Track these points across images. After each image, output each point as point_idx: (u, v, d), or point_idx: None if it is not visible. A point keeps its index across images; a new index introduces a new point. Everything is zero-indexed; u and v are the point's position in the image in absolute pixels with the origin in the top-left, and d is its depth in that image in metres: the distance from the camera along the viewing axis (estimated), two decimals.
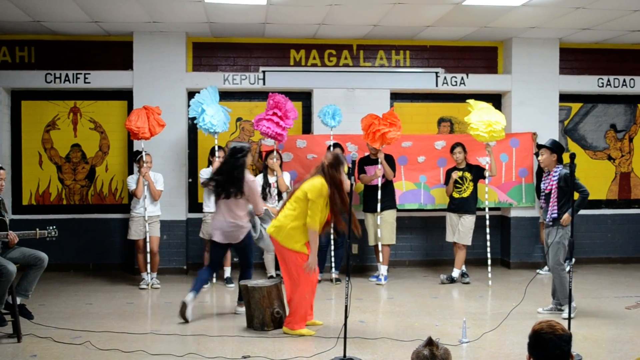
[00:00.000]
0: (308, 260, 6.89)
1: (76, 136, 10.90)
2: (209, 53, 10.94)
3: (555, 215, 7.74)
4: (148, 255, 9.57)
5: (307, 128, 10.97)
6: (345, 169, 7.01)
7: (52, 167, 10.89)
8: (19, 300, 6.98)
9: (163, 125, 9.58)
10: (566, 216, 7.65)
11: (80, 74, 10.59)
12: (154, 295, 9.18)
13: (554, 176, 7.83)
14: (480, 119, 9.38)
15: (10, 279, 6.68)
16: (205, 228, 9.74)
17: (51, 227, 7.27)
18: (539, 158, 8.08)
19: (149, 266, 9.56)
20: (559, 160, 7.91)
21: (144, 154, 9.53)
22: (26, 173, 10.85)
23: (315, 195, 6.80)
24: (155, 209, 9.70)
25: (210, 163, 9.79)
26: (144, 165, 9.51)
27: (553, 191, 7.79)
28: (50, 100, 10.85)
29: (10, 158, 10.74)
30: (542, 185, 8.08)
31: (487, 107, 9.66)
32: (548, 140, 8.00)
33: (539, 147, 8.06)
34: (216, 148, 9.70)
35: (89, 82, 10.61)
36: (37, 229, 7.17)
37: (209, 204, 9.70)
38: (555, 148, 7.87)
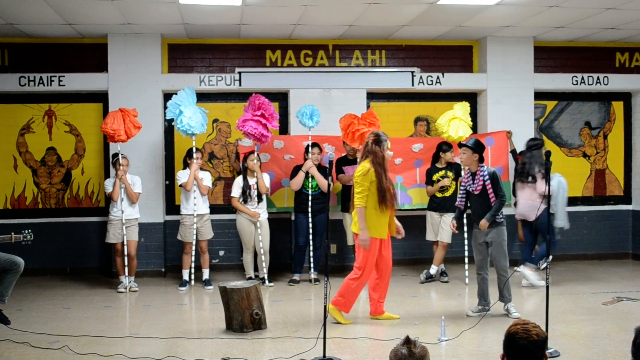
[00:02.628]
0: (361, 237, 7.32)
1: (51, 139, 10.81)
2: (185, 54, 10.90)
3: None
4: (126, 259, 9.52)
5: (283, 129, 10.96)
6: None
7: (28, 171, 10.78)
8: None
9: (139, 128, 9.53)
10: (483, 222, 7.65)
11: (55, 76, 10.50)
12: (132, 298, 9.13)
13: (481, 176, 7.69)
14: (441, 120, 9.60)
15: None
16: (183, 230, 9.71)
17: (27, 231, 7.20)
18: (461, 158, 7.94)
19: (126, 269, 9.51)
20: (481, 160, 7.79)
21: (120, 156, 9.47)
22: (1, 177, 10.73)
23: (359, 176, 7.33)
24: (133, 211, 9.64)
25: (186, 165, 9.73)
26: (121, 168, 9.46)
27: (488, 191, 7.70)
28: (24, 104, 10.74)
29: None
30: (467, 188, 7.92)
31: (457, 108, 9.77)
32: (470, 140, 7.83)
33: (460, 145, 7.94)
34: (194, 150, 9.66)
35: (63, 85, 10.52)
36: (12, 233, 7.10)
37: (186, 206, 9.67)
38: (477, 147, 7.70)
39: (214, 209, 10.17)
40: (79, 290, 9.62)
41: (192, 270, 9.70)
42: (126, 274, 9.50)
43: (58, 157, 10.83)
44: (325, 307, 6.13)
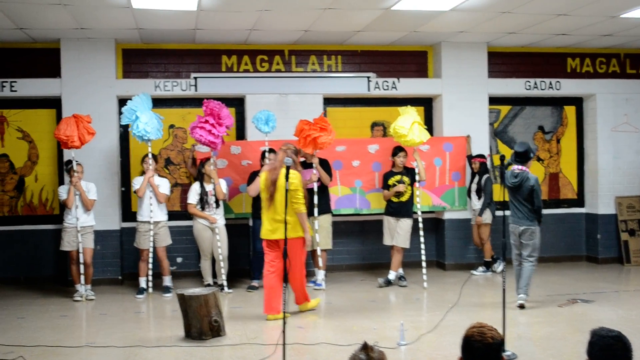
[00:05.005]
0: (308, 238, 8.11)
1: (3, 146, 10.62)
2: (139, 60, 10.80)
3: None
4: (82, 267, 9.39)
5: (241, 134, 10.94)
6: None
7: None
8: None
9: (93, 134, 9.41)
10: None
11: (6, 81, 10.31)
12: (88, 307, 9.01)
13: None
14: (396, 124, 9.66)
15: None
16: (138, 237, 9.62)
17: None
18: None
19: (82, 278, 9.37)
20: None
21: (74, 163, 9.35)
22: None
23: (299, 183, 8.00)
24: (88, 219, 9.52)
25: (143, 171, 9.66)
26: (75, 174, 9.34)
27: None
28: None
29: None
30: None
31: (410, 112, 9.84)
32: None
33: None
34: (149, 155, 9.58)
35: (15, 91, 10.33)
36: None
37: (141, 212, 9.59)
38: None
39: (171, 216, 10.08)
40: (34, 299, 9.45)
41: (150, 278, 9.62)
42: (82, 282, 9.36)
43: (10, 163, 10.63)
44: (284, 312, 6.12)
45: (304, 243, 8.08)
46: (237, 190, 10.34)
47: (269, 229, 8.01)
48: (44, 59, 10.52)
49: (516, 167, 8.42)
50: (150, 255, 9.59)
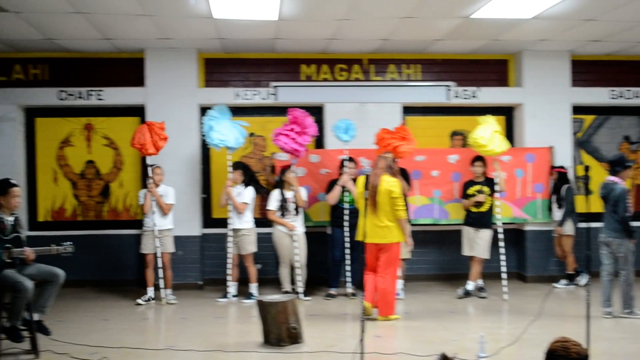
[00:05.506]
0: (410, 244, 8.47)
1: (90, 153, 10.97)
2: (221, 69, 10.99)
3: None
4: (160, 271, 9.60)
5: (319, 142, 10.97)
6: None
7: (67, 184, 10.96)
8: (36, 317, 6.97)
9: (165, 139, 9.60)
10: None
11: (93, 90, 10.66)
12: (169, 311, 9.19)
13: None
14: (476, 134, 9.51)
15: (27, 295, 6.71)
16: (145, 242, 9.78)
17: (67, 243, 7.29)
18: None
19: (162, 282, 9.58)
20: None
21: (150, 168, 9.60)
22: (41, 189, 10.92)
23: (400, 190, 8.27)
24: (165, 222, 9.72)
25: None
26: (151, 179, 9.57)
27: None
28: (64, 117, 10.92)
29: (25, 175, 10.82)
30: None
31: (490, 121, 9.67)
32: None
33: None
34: (229, 164, 9.73)
35: (102, 99, 10.67)
36: (54, 245, 7.19)
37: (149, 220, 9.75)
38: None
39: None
40: (117, 302, 9.71)
41: (234, 283, 9.81)
42: (162, 285, 9.57)
43: (97, 170, 10.98)
44: (362, 321, 6.09)
45: (399, 249, 8.35)
46: (316, 198, 10.38)
47: (369, 233, 8.16)
48: (128, 69, 10.82)
49: (609, 178, 8.27)
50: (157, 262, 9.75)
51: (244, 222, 9.81)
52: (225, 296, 9.76)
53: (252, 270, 9.85)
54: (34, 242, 7.33)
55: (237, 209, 9.71)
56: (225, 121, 9.65)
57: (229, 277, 9.83)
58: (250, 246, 9.85)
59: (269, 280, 10.57)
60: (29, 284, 6.73)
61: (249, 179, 9.95)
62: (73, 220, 10.94)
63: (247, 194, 9.81)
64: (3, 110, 10.30)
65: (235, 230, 9.77)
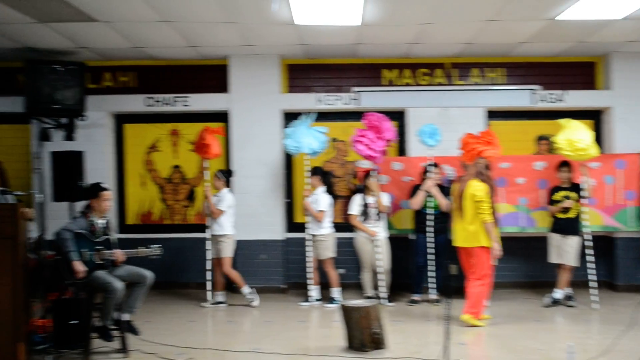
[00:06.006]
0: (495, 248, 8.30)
1: (176, 158, 11.24)
2: (303, 74, 11.08)
3: None
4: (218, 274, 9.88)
5: (401, 147, 10.93)
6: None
7: (155, 188, 11.26)
8: (125, 317, 7.17)
9: (216, 142, 9.81)
10: None
11: (179, 97, 10.91)
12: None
13: None
14: (566, 137, 9.22)
15: (117, 295, 6.91)
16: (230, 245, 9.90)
17: (155, 246, 7.48)
18: None
19: (209, 284, 9.88)
20: None
21: (205, 173, 9.86)
22: (130, 193, 11.25)
23: (484, 194, 8.33)
24: (218, 228, 9.83)
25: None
26: (206, 185, 9.84)
27: None
28: (151, 123, 11.22)
29: (115, 179, 11.16)
30: None
31: (576, 125, 9.40)
32: None
33: None
34: (308, 169, 9.83)
35: (187, 105, 10.91)
36: (142, 248, 7.40)
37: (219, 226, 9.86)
38: None
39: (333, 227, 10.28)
40: (203, 303, 9.89)
41: (317, 287, 9.88)
42: (246, 288, 9.76)
43: (182, 174, 11.23)
44: (446, 328, 6.04)
45: (489, 253, 8.31)
46: (399, 206, 10.31)
47: (457, 237, 8.48)
48: (213, 75, 11.02)
49: None
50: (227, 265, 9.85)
51: (320, 228, 9.84)
52: (307, 300, 9.83)
53: (333, 274, 9.87)
54: (123, 244, 7.53)
55: (316, 218, 9.77)
56: (302, 127, 9.75)
57: (310, 281, 9.90)
58: (328, 251, 9.86)
59: (352, 285, 10.57)
60: (119, 285, 6.93)
61: (328, 185, 9.99)
62: (160, 224, 11.22)
63: (323, 201, 9.84)
64: (94, 117, 10.62)
65: (313, 236, 9.83)
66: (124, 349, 7.06)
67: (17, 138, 11.12)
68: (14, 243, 6.46)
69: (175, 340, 7.66)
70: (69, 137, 9.74)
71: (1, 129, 11.27)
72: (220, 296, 9.88)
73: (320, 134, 9.85)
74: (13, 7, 7.88)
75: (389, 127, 9.55)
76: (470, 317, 8.23)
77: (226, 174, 10.00)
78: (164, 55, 10.71)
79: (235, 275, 9.86)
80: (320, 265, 9.94)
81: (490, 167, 8.66)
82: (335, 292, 9.84)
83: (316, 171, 9.95)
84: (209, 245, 9.92)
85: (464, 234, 8.41)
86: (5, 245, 6.45)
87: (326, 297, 9.92)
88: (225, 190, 9.91)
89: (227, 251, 9.83)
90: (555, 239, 9.69)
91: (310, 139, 9.71)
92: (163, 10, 8.28)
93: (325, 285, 10.03)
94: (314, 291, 9.93)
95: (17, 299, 6.45)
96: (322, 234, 9.84)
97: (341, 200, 11.01)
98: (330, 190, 10.01)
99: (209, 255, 9.94)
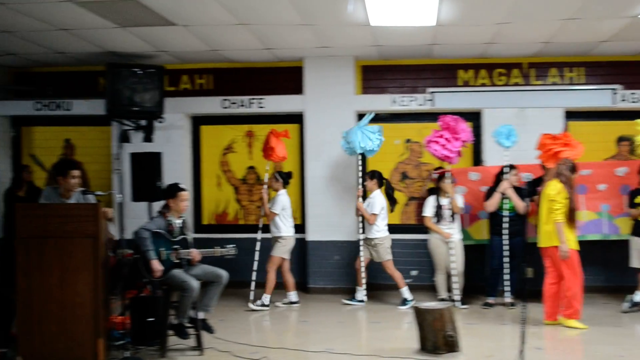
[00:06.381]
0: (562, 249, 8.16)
1: (251, 159, 11.37)
2: (377, 75, 11.06)
3: None
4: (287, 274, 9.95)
5: (477, 149, 10.77)
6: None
7: (230, 189, 11.43)
8: (201, 315, 7.30)
9: (281, 145, 9.96)
10: None
11: (255, 99, 11.04)
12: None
13: None
14: None
15: (193, 294, 7.03)
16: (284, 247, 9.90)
17: (230, 246, 7.58)
18: None
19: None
20: None
21: (266, 175, 9.94)
22: (206, 194, 11.46)
23: (555, 194, 8.23)
24: (274, 229, 9.88)
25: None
26: (263, 187, 9.96)
27: None
28: (227, 125, 11.39)
29: (191, 180, 11.38)
30: None
31: None
32: None
33: None
34: (360, 169, 9.96)
35: (262, 107, 11.03)
36: (218, 247, 7.52)
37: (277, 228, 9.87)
38: None
39: (406, 229, 10.26)
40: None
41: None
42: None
43: (257, 175, 11.36)
44: (522, 332, 5.94)
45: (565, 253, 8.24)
46: (476, 217, 10.15)
47: (539, 237, 8.53)
48: (288, 77, 11.10)
49: None
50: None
51: (376, 231, 9.78)
52: (352, 300, 9.87)
53: (397, 275, 9.80)
54: (198, 244, 7.66)
55: (367, 221, 9.75)
56: (356, 128, 9.79)
57: (363, 281, 9.89)
58: (386, 254, 9.79)
59: (425, 287, 10.50)
60: (195, 283, 7.05)
61: (387, 187, 9.95)
62: (235, 224, 11.38)
63: (377, 204, 9.78)
64: (172, 119, 10.85)
65: (367, 239, 9.82)
66: (199, 347, 7.19)
67: (98, 140, 11.48)
68: (95, 242, 6.67)
69: (249, 339, 7.77)
70: (148, 139, 10.02)
71: (83, 130, 11.65)
72: (293, 296, 9.94)
73: (375, 133, 9.83)
74: (95, 12, 8.12)
75: (465, 128, 9.46)
76: (566, 319, 8.25)
77: (284, 176, 10.04)
78: (240, 58, 10.86)
79: (273, 278, 9.87)
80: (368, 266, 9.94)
81: (576, 169, 8.47)
82: (405, 291, 9.77)
83: (374, 174, 9.93)
84: (258, 246, 10.03)
85: (540, 234, 8.41)
86: (87, 244, 6.67)
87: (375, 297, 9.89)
88: (280, 192, 9.94)
89: (279, 251, 9.85)
90: (637, 242, 9.37)
91: (364, 139, 9.73)
92: (240, 14, 8.40)
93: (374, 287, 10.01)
94: (360, 293, 9.89)
95: (98, 296, 6.65)
96: (378, 237, 9.78)
97: (415, 201, 10.94)
98: (390, 194, 9.95)
99: (257, 256, 10.03)
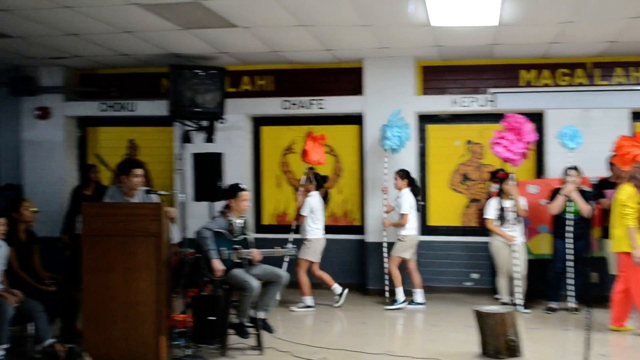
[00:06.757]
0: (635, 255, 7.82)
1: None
2: (438, 76, 10.97)
3: None
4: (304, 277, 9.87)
5: (539, 150, 10.57)
6: None
7: (290, 189, 11.49)
8: (261, 315, 7.35)
9: (315, 149, 10.01)
10: None
11: (315, 100, 11.07)
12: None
13: None
14: None
15: (253, 294, 7.08)
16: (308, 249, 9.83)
17: (291, 246, 7.62)
18: None
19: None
20: None
21: (305, 177, 9.95)
22: (266, 194, 11.54)
23: (627, 198, 7.95)
24: (302, 231, 9.86)
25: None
26: (300, 189, 10.03)
27: None
28: (287, 126, 11.45)
29: (252, 180, 11.48)
30: None
31: None
32: None
33: None
34: (386, 166, 10.09)
35: (322, 108, 11.06)
36: (278, 248, 7.56)
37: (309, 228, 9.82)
38: None
39: (466, 231, 10.15)
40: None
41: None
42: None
43: None
44: (586, 338, 5.81)
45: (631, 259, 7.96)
46: (535, 231, 9.92)
47: (611, 242, 8.32)
48: (348, 78, 11.10)
49: None
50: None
51: (402, 230, 9.77)
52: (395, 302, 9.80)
53: (396, 274, 9.75)
54: (259, 244, 7.71)
55: (400, 223, 9.75)
56: (391, 126, 9.97)
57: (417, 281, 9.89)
58: (399, 251, 9.78)
59: (486, 290, 10.38)
60: (256, 283, 7.11)
61: (412, 188, 9.90)
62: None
63: (406, 204, 9.72)
64: (233, 120, 10.95)
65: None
66: (259, 346, 7.24)
67: (160, 140, 11.69)
68: (158, 240, 6.79)
69: (308, 339, 7.80)
70: (209, 139, 10.14)
71: (146, 131, 11.87)
72: (310, 300, 9.86)
73: (402, 129, 9.91)
74: (159, 15, 8.26)
75: (530, 130, 9.29)
76: (616, 328, 8.12)
77: (318, 178, 10.02)
78: (300, 59, 10.90)
79: (305, 281, 9.82)
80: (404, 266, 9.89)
81: None
82: (399, 292, 9.74)
83: (404, 173, 9.89)
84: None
85: (612, 238, 8.22)
86: (150, 243, 6.79)
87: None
88: (311, 194, 9.90)
89: (305, 254, 9.79)
90: None
91: (393, 136, 9.81)
92: (301, 15, 8.42)
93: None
94: (400, 293, 9.81)
95: (160, 294, 6.77)
96: (402, 234, 9.77)
97: (476, 203, 10.82)
98: (415, 194, 9.91)
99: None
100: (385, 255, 10.07)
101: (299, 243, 9.57)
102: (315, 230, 9.79)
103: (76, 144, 12.02)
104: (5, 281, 7.04)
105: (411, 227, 9.79)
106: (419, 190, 10.04)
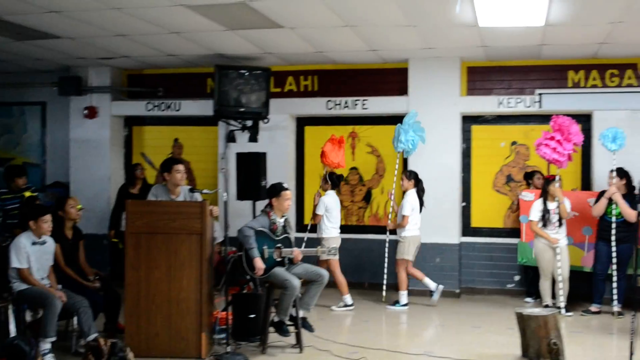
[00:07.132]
0: None
1: (354, 160, 11.42)
2: (483, 77, 10.88)
3: None
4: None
5: (586, 152, 10.41)
6: None
7: None
8: (301, 314, 7.38)
9: (335, 152, 10.00)
10: None
11: (359, 100, 11.08)
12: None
13: None
14: None
15: (295, 292, 7.12)
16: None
17: (332, 246, 7.64)
18: None
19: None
20: None
21: (326, 177, 9.92)
22: (308, 194, 11.56)
23: None
24: (318, 230, 9.81)
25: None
26: (319, 190, 10.01)
27: None
28: (330, 126, 11.46)
29: (295, 180, 11.54)
30: None
31: None
32: None
33: None
34: (397, 167, 10.20)
35: (366, 108, 11.06)
36: (319, 247, 7.59)
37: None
38: None
39: (501, 233, 10.10)
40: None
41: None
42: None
43: (360, 176, 11.40)
44: (631, 343, 5.71)
45: None
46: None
47: None
48: (392, 78, 11.09)
49: None
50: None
51: (403, 230, 9.75)
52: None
53: (403, 277, 9.75)
54: (299, 243, 7.75)
55: (400, 223, 9.78)
56: (406, 129, 10.01)
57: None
58: (402, 253, 9.76)
59: (522, 292, 10.30)
60: (296, 282, 7.14)
61: (419, 189, 9.86)
62: None
63: (408, 205, 9.70)
64: (276, 120, 11.03)
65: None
66: (298, 345, 7.28)
67: (205, 139, 11.82)
68: (201, 238, 6.89)
69: (348, 339, 7.82)
70: (253, 139, 10.24)
71: (191, 130, 12.02)
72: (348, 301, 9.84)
73: (417, 133, 9.92)
74: (206, 16, 8.35)
75: (577, 131, 9.17)
76: None
77: (333, 178, 9.98)
78: (344, 59, 10.92)
79: (342, 280, 9.74)
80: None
81: None
82: (403, 295, 9.69)
83: (411, 174, 9.86)
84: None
85: None
86: (193, 241, 6.89)
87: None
88: (327, 193, 9.88)
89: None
90: None
91: (407, 140, 9.84)
92: (346, 15, 8.44)
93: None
94: (404, 297, 9.77)
95: (202, 291, 6.87)
96: (402, 235, 9.75)
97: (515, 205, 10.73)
98: (420, 197, 9.85)
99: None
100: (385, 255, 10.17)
101: (314, 243, 9.52)
102: (330, 229, 9.76)
103: (122, 143, 12.23)
104: (52, 277, 7.20)
105: (412, 228, 9.78)
106: (424, 192, 9.98)
